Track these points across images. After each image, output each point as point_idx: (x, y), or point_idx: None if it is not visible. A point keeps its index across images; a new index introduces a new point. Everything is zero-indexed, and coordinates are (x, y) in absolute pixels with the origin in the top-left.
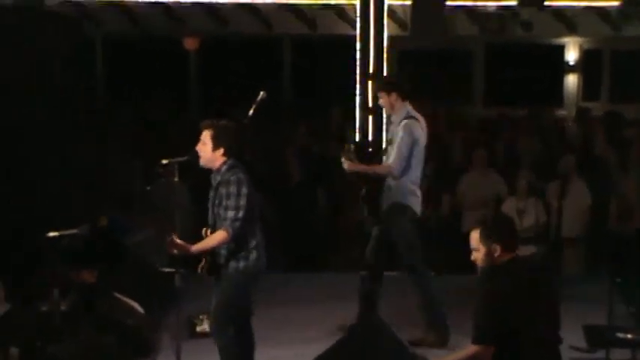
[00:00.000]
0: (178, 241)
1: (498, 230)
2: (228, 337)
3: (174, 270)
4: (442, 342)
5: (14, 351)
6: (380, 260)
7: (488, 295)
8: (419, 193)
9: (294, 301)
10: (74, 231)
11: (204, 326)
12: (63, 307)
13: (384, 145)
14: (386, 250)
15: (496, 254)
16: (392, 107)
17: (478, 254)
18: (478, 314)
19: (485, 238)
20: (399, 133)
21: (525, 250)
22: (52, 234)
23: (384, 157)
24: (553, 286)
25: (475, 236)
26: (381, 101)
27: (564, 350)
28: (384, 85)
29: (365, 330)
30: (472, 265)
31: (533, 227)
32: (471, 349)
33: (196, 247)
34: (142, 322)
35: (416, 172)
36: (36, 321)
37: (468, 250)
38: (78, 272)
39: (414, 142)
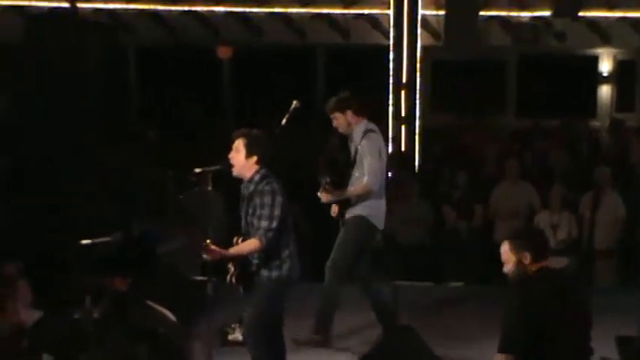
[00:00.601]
0: (213, 246)
1: (529, 239)
2: (261, 346)
3: (205, 278)
4: (325, 344)
5: (47, 358)
6: (367, 270)
7: (517, 304)
8: (383, 206)
9: None
10: (107, 239)
11: (236, 335)
12: (95, 315)
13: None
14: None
15: (526, 262)
16: (349, 125)
17: (509, 266)
18: (506, 324)
19: (515, 247)
20: (365, 149)
21: (557, 262)
22: (84, 242)
23: (356, 171)
24: (583, 296)
25: (505, 248)
26: (335, 122)
27: None
28: (336, 105)
29: (396, 341)
30: (504, 276)
31: (566, 241)
32: (497, 357)
33: (230, 252)
34: (173, 331)
35: (382, 183)
36: (68, 329)
37: (500, 261)
38: (110, 280)
39: (379, 152)
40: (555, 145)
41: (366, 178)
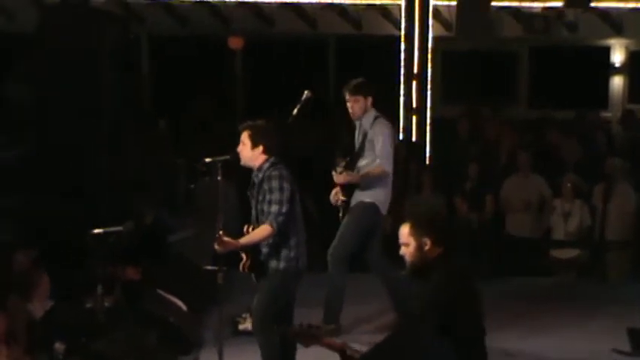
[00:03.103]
0: (226, 238)
1: (431, 223)
2: (270, 335)
3: (216, 268)
4: (335, 333)
5: (59, 346)
6: (380, 258)
7: (428, 292)
8: (390, 190)
9: None
10: (119, 228)
11: (247, 324)
12: (107, 304)
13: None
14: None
15: (427, 248)
16: (365, 110)
17: (408, 249)
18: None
19: (416, 231)
20: (377, 132)
21: (568, 253)
22: (97, 231)
23: (362, 160)
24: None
25: (406, 231)
26: (353, 105)
27: (608, 353)
28: (360, 88)
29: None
30: (515, 268)
31: (577, 230)
32: None
33: (242, 242)
34: (184, 320)
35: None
36: (80, 317)
37: (510, 252)
38: (122, 269)
39: (391, 138)
40: (567, 136)
41: (378, 161)
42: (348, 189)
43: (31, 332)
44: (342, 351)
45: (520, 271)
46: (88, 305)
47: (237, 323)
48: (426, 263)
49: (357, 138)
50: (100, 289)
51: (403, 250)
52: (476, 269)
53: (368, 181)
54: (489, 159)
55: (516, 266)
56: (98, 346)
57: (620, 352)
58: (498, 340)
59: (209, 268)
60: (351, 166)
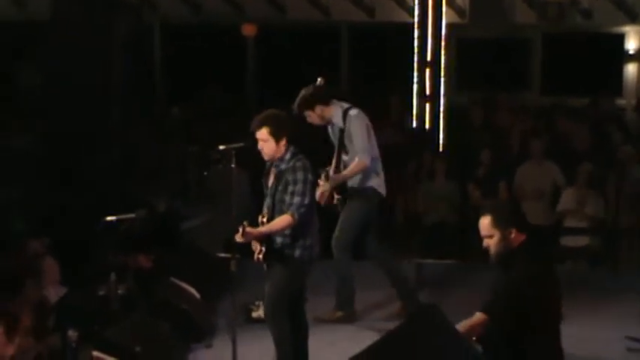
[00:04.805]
0: (249, 228)
1: (512, 214)
2: (282, 323)
3: (229, 256)
4: (349, 320)
5: (72, 334)
6: (378, 246)
7: (510, 279)
8: (381, 173)
9: None
10: (132, 216)
11: (260, 312)
12: (120, 291)
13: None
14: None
15: (511, 237)
16: (323, 117)
17: (491, 240)
18: (499, 294)
19: (498, 222)
20: (352, 129)
21: (580, 241)
22: (109, 218)
23: (345, 155)
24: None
25: (487, 222)
26: (309, 119)
27: (620, 340)
28: (303, 105)
29: (421, 318)
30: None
31: (592, 218)
32: (477, 315)
33: (263, 231)
34: (197, 308)
35: (375, 151)
36: (93, 304)
37: None
38: (135, 257)
39: (367, 127)
40: (580, 124)
41: (358, 156)
42: (341, 187)
43: (45, 319)
44: None
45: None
46: (101, 293)
47: (250, 311)
48: (511, 252)
49: (334, 137)
50: (113, 276)
51: (486, 242)
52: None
53: (354, 175)
54: (503, 146)
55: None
56: (111, 334)
57: (633, 339)
58: None
59: (222, 255)
60: (337, 169)
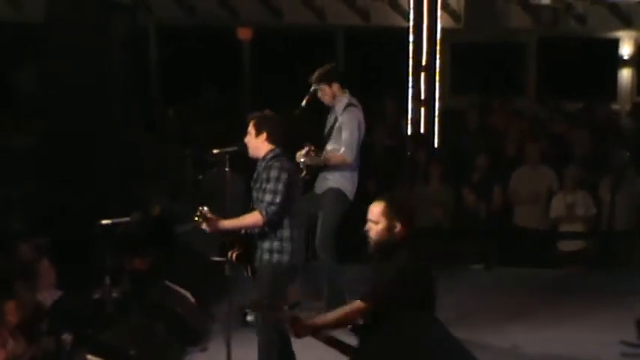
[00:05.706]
0: (209, 214)
1: (403, 207)
2: (269, 329)
3: (224, 259)
4: None
5: (67, 337)
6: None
7: (395, 269)
8: (356, 178)
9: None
10: (127, 219)
11: None
12: (115, 295)
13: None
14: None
15: (396, 230)
16: (334, 97)
17: (375, 227)
18: (380, 283)
19: (389, 212)
20: (345, 121)
21: (574, 245)
22: (104, 221)
23: (329, 145)
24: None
25: (377, 209)
26: (321, 94)
27: (615, 345)
28: (323, 76)
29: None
30: (522, 259)
31: (582, 221)
32: (357, 303)
33: (227, 224)
34: (192, 311)
35: (357, 156)
36: (88, 308)
37: (518, 243)
38: (130, 260)
39: (359, 128)
40: (576, 127)
41: (343, 150)
42: (314, 171)
43: (39, 322)
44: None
45: (528, 263)
46: (96, 296)
47: (245, 314)
48: (391, 244)
49: (329, 121)
50: (107, 279)
51: (369, 227)
52: (483, 259)
53: (332, 168)
54: (498, 150)
55: (524, 258)
56: (106, 337)
57: (628, 344)
58: (506, 332)
59: (217, 259)
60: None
